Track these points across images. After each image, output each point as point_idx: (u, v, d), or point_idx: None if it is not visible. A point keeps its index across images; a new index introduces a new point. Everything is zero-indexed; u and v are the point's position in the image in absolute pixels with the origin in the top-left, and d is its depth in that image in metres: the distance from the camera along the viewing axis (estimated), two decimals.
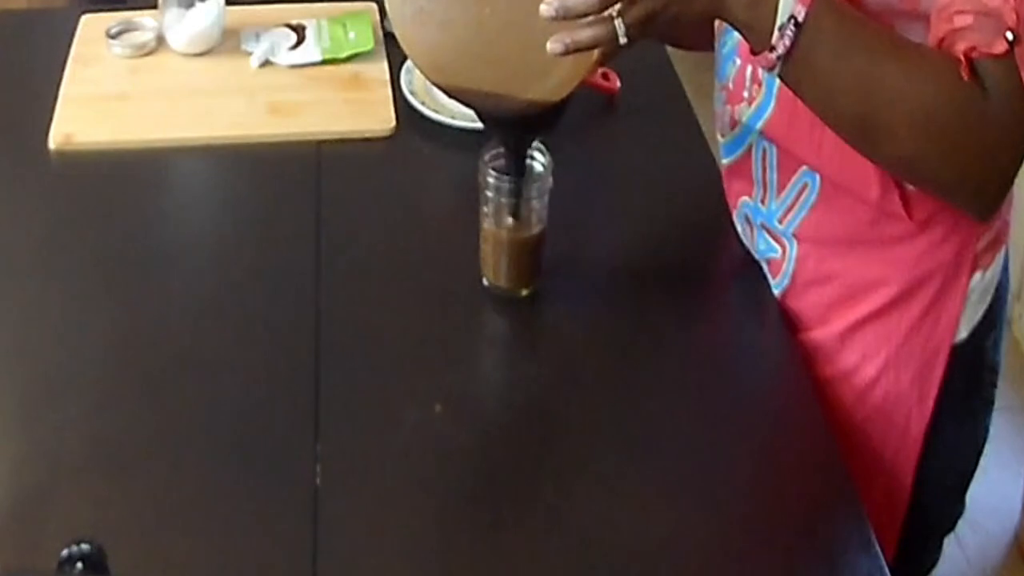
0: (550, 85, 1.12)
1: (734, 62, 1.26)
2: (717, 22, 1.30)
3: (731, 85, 1.26)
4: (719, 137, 1.33)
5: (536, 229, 1.28)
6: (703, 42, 1.33)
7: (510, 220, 1.27)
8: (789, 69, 1.04)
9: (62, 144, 1.51)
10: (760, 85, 1.22)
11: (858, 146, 1.08)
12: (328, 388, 1.21)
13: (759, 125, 1.23)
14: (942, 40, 1.02)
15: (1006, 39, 0.99)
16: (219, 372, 1.24)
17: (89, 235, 1.40)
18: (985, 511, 2.11)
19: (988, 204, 1.10)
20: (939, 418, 1.25)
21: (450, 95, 1.20)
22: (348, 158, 1.51)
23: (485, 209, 1.27)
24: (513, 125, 1.21)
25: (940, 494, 1.34)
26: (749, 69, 1.23)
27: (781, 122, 1.21)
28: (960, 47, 1.00)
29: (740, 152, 1.29)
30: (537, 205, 1.27)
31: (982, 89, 1.01)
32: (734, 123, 1.28)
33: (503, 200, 1.25)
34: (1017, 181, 1.26)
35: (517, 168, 1.24)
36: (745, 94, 1.24)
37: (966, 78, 1.00)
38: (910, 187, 1.16)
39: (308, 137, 1.53)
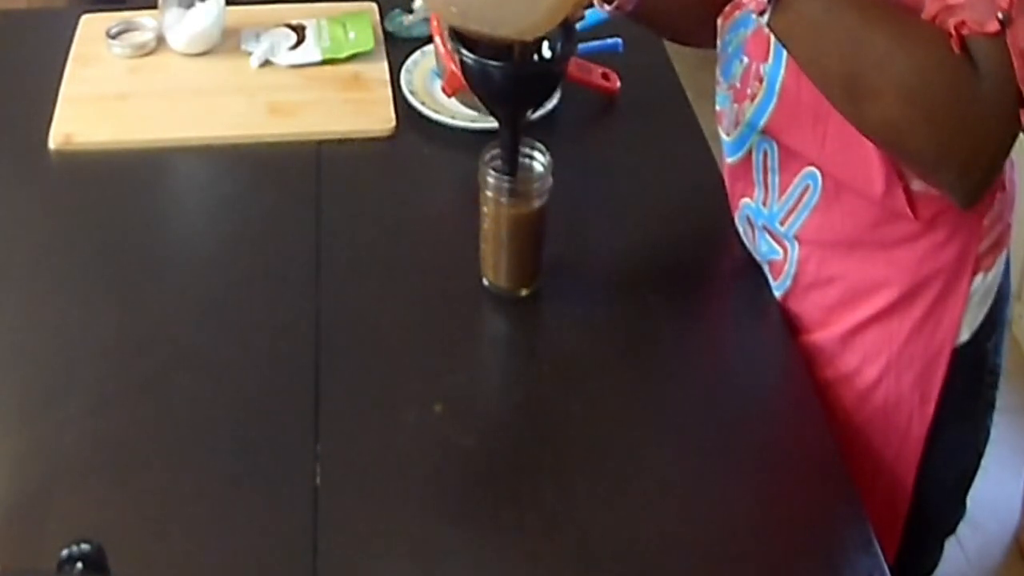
0: (540, 11, 1.12)
1: (741, 60, 1.25)
2: (720, 20, 1.30)
3: (738, 84, 1.26)
4: (724, 136, 1.33)
5: (536, 229, 1.28)
6: (705, 38, 1.33)
7: (510, 219, 1.26)
8: (779, 17, 1.04)
9: (62, 144, 1.51)
10: (761, 81, 1.22)
11: (843, 107, 1.07)
12: (328, 388, 1.21)
13: (762, 122, 1.23)
14: (935, 17, 1.02)
15: (998, 19, 0.98)
16: (219, 372, 1.24)
17: (89, 235, 1.40)
18: (985, 511, 2.11)
19: (972, 188, 1.07)
20: (940, 420, 1.25)
21: (456, 35, 1.20)
22: (348, 158, 1.51)
23: (485, 209, 1.27)
24: (508, 96, 1.22)
25: (941, 496, 1.34)
26: (754, 66, 1.23)
27: (783, 118, 1.21)
28: (952, 23, 1.00)
29: (742, 152, 1.29)
30: (537, 204, 1.27)
31: (973, 67, 1.00)
32: (739, 121, 1.27)
33: (503, 200, 1.25)
34: (1018, 183, 1.26)
35: (511, 163, 1.24)
36: (749, 91, 1.24)
37: (956, 51, 1.00)
38: (915, 186, 1.16)
39: (308, 137, 1.53)
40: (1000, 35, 0.98)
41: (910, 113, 1.02)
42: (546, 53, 1.22)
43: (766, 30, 1.08)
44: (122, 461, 1.15)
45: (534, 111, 1.27)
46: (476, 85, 1.23)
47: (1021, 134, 1.06)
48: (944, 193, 1.11)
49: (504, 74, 1.19)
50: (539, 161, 1.27)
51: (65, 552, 0.89)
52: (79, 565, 0.88)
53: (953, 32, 0.99)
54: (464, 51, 1.18)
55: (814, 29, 1.03)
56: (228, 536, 1.09)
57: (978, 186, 1.07)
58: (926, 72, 1.01)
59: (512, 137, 1.23)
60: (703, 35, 1.33)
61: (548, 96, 1.26)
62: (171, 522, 1.09)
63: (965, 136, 1.02)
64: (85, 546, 0.89)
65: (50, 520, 1.09)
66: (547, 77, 1.24)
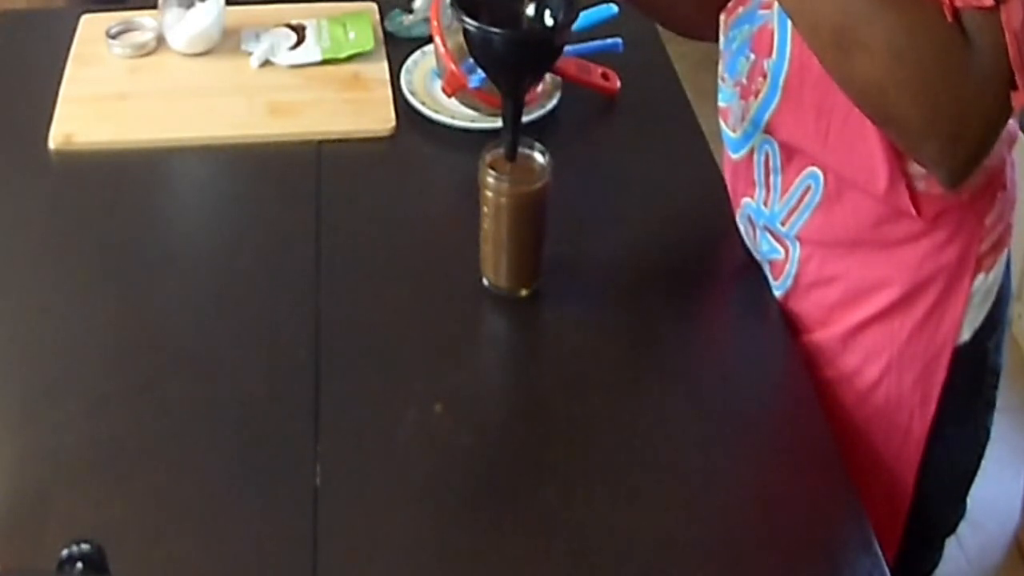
0: None
1: (747, 57, 1.25)
2: (723, 16, 1.30)
3: (744, 80, 1.26)
4: (730, 133, 1.32)
5: (536, 227, 1.28)
6: (707, 30, 1.33)
7: (510, 216, 1.26)
8: None
9: (62, 144, 1.51)
10: (765, 77, 1.22)
11: (831, 60, 1.05)
12: (328, 388, 1.21)
13: (766, 117, 1.23)
14: None
15: None
16: (219, 372, 1.24)
17: (89, 235, 1.40)
18: (985, 511, 2.11)
19: (958, 166, 1.05)
20: (941, 420, 1.25)
21: (458, 4, 1.20)
22: (348, 158, 1.51)
23: (485, 209, 1.27)
24: (509, 64, 1.22)
25: (941, 496, 1.34)
26: (760, 63, 1.23)
27: (786, 113, 1.21)
28: None
29: (746, 150, 1.29)
30: (537, 200, 1.27)
31: (964, 38, 0.99)
32: (745, 118, 1.27)
33: (503, 200, 1.25)
34: (1019, 183, 1.26)
35: (512, 139, 1.24)
36: (753, 87, 1.24)
37: (949, 19, 0.98)
38: (918, 184, 1.16)
39: (308, 137, 1.53)
40: (994, 10, 0.97)
41: (897, 72, 1.00)
42: (548, 21, 1.22)
43: None
44: (122, 461, 1.15)
45: (534, 80, 1.27)
46: (478, 53, 1.22)
47: (1021, 135, 1.06)
48: (929, 170, 1.10)
49: (505, 41, 1.19)
50: (539, 161, 1.27)
51: (65, 552, 0.89)
52: (79, 565, 0.88)
53: (947, 2, 0.98)
54: (466, 18, 1.18)
55: None
56: (228, 536, 1.09)
57: (963, 165, 1.05)
58: (916, 32, 0.99)
59: (514, 110, 1.23)
60: (705, 27, 1.33)
61: (549, 65, 1.26)
62: (171, 522, 1.09)
63: (952, 106, 1.01)
64: (85, 546, 0.89)
65: (50, 520, 1.08)
66: (548, 45, 1.23)
